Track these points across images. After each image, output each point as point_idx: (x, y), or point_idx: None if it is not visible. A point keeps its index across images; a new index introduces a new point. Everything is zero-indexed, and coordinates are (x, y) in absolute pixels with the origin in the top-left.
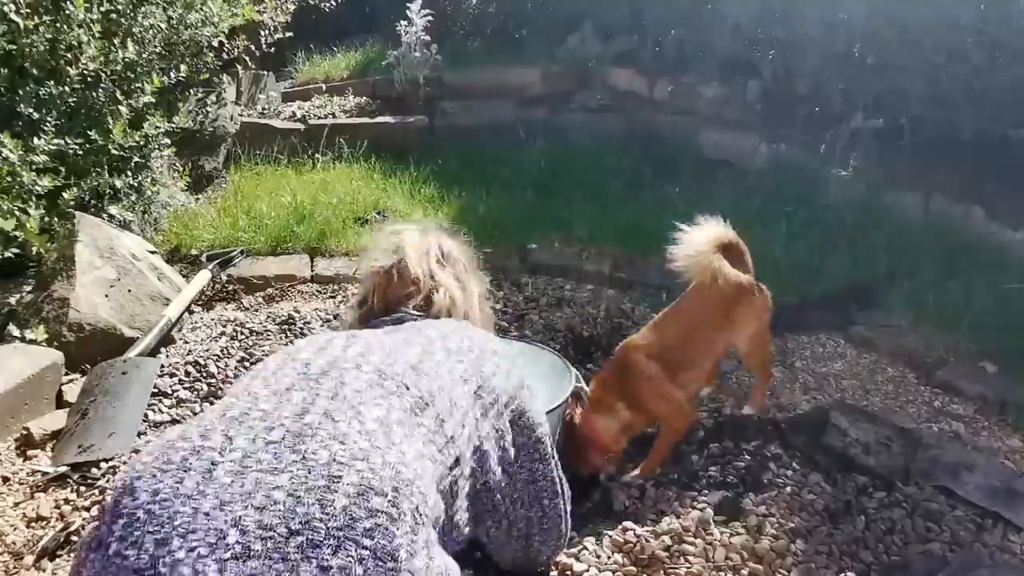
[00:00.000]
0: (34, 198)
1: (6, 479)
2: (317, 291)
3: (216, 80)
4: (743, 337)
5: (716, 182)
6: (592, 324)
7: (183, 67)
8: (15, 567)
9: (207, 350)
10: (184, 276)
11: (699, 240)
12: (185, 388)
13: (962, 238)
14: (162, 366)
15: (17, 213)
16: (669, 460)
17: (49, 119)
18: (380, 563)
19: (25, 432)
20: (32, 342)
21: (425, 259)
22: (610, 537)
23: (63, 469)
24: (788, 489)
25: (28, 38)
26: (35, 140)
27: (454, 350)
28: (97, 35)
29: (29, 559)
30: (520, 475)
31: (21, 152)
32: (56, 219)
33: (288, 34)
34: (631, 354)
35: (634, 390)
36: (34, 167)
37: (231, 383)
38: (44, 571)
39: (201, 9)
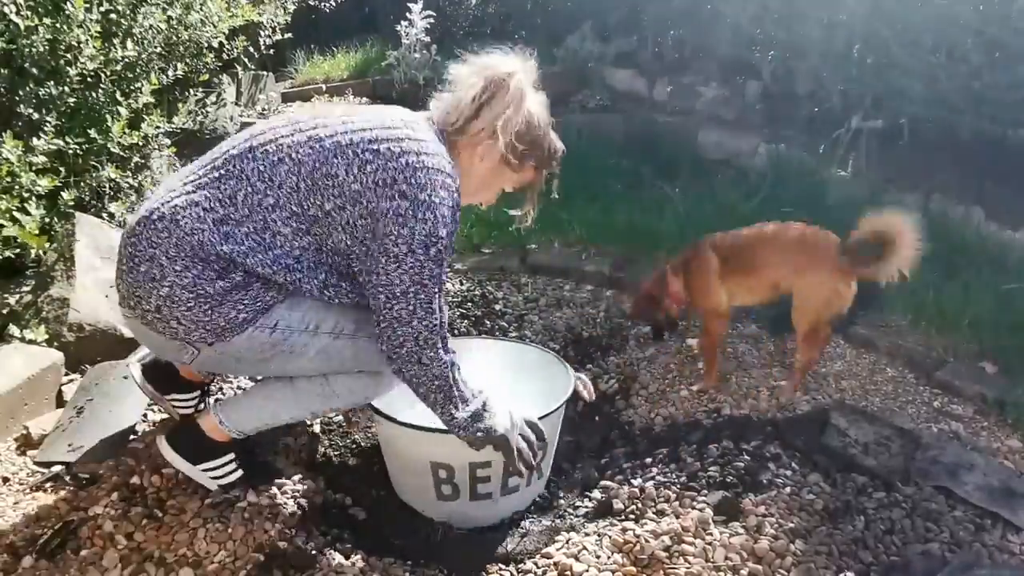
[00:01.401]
0: (34, 198)
1: (6, 479)
2: None
3: (216, 81)
4: (795, 284)
5: (716, 182)
6: (592, 325)
7: (182, 67)
8: (14, 567)
9: None
10: None
11: (880, 221)
12: None
13: (962, 238)
14: None
15: (16, 214)
16: (670, 458)
17: (49, 119)
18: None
19: (25, 432)
20: (32, 342)
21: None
22: (610, 537)
23: (57, 469)
24: (787, 489)
25: (28, 38)
26: (35, 140)
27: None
28: (96, 35)
29: (28, 560)
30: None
31: (20, 152)
32: (56, 219)
33: (288, 35)
34: (704, 242)
35: (690, 273)
36: (34, 167)
37: (230, 382)
38: (43, 571)
39: (200, 10)
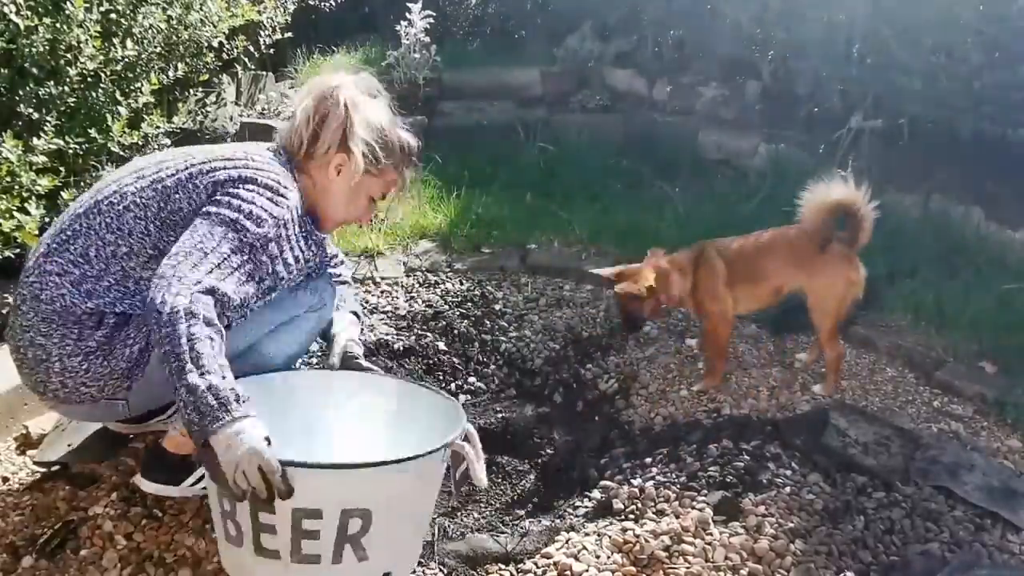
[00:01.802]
0: (34, 198)
1: (6, 479)
2: None
3: (216, 80)
4: (808, 286)
5: (715, 182)
6: (592, 324)
7: (182, 67)
8: (14, 566)
9: None
10: None
11: (824, 191)
12: None
13: (962, 238)
14: None
15: (16, 214)
16: (670, 458)
17: (49, 119)
18: None
19: (25, 432)
20: None
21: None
22: (610, 537)
23: (56, 468)
24: (787, 489)
25: (28, 38)
26: (35, 140)
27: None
28: (96, 35)
29: (28, 559)
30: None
31: (20, 152)
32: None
33: (288, 34)
34: (708, 246)
35: (696, 277)
36: (34, 167)
37: None
38: (43, 571)
39: (200, 9)
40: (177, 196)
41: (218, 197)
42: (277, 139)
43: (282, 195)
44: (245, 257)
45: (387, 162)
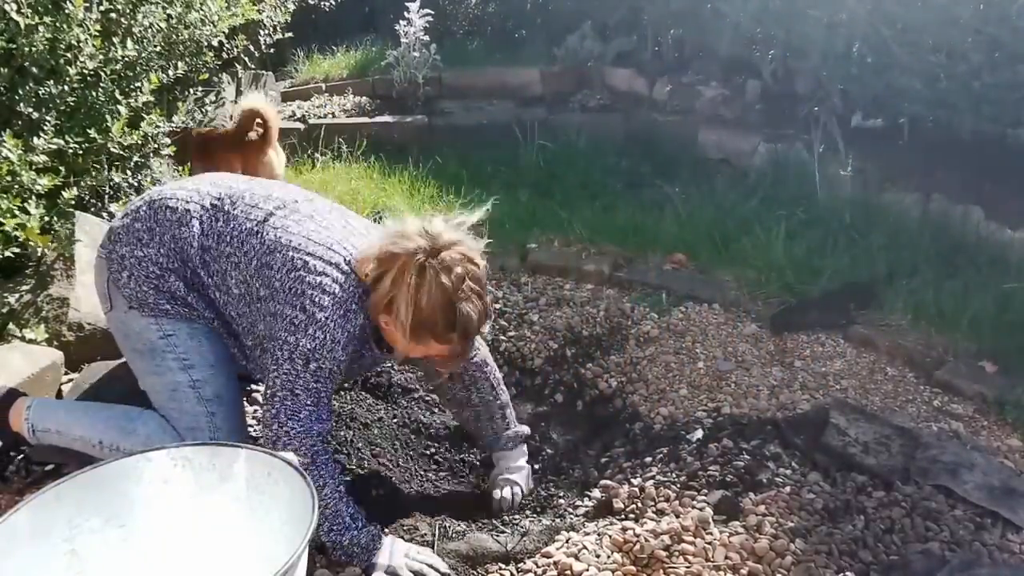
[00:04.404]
0: (34, 197)
1: (5, 478)
2: None
3: (216, 80)
4: None
5: (715, 182)
6: (592, 324)
7: (182, 66)
8: None
9: None
10: None
11: None
12: None
13: (961, 238)
14: None
15: (17, 213)
16: (670, 458)
17: (49, 118)
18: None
19: None
20: (32, 342)
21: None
22: (610, 536)
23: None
24: (787, 488)
25: (28, 37)
26: (35, 139)
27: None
28: (96, 34)
29: None
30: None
31: (20, 151)
32: (56, 218)
33: (288, 34)
34: None
35: None
36: (34, 167)
37: None
38: None
39: (200, 8)
40: (277, 254)
41: (297, 312)
42: (358, 253)
43: (356, 313)
44: (325, 380)
45: (427, 340)
